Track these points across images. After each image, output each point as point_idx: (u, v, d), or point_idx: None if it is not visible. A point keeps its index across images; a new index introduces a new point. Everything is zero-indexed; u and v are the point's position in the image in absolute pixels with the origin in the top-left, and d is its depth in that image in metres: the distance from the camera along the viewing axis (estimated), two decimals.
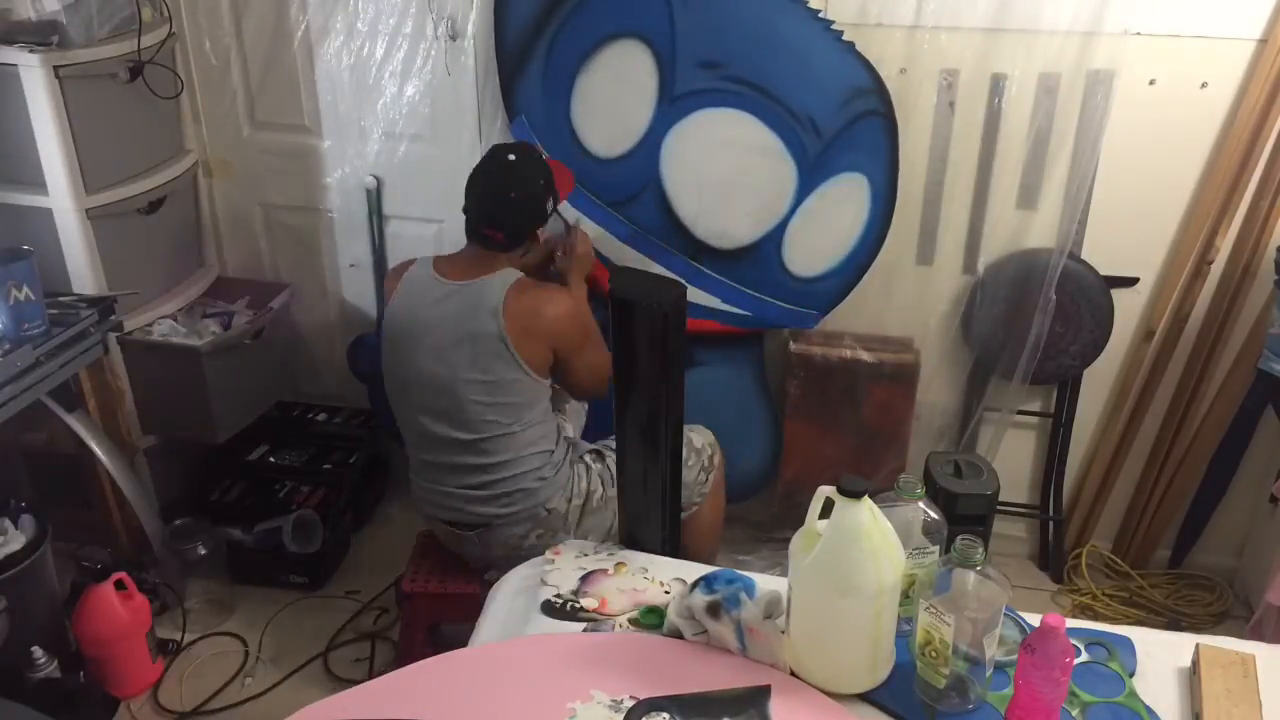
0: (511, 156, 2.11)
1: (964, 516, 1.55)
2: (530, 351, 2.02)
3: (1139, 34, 2.23)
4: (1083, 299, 2.43)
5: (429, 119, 2.62)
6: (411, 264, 2.16)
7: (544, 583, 1.58)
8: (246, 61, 2.68)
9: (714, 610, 1.39)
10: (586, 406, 2.34)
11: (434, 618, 2.24)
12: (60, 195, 2.33)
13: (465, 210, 2.11)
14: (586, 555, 1.66)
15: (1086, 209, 2.39)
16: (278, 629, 2.51)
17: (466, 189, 2.11)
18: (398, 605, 2.58)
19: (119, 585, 2.23)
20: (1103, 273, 2.44)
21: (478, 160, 2.62)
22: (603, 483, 2.13)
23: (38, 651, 2.10)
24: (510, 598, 1.59)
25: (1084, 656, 1.40)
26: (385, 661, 2.44)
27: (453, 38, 2.50)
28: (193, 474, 2.80)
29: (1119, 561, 2.69)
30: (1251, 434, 2.51)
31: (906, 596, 1.34)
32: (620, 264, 2.47)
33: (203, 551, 2.47)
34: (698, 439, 2.26)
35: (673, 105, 2.36)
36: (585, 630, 1.47)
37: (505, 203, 2.08)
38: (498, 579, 2.14)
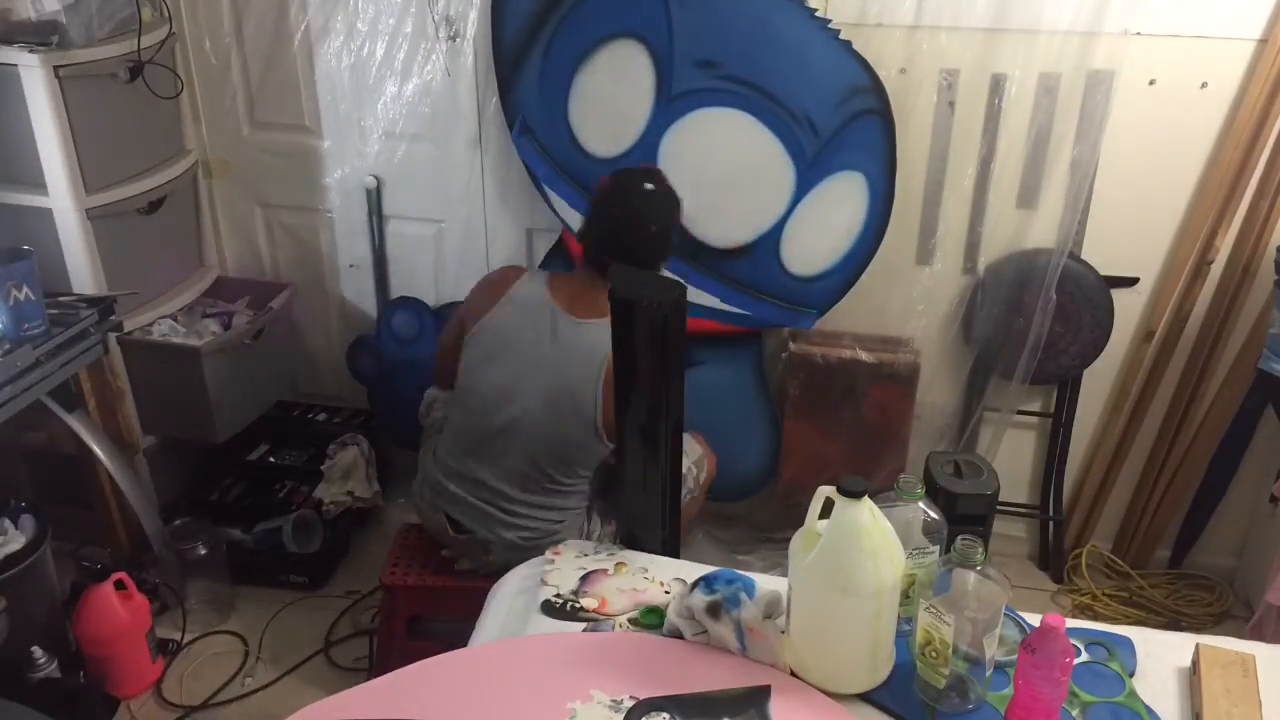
0: (649, 185, 2.03)
1: (964, 516, 1.55)
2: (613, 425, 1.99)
3: (1139, 34, 2.23)
4: (1083, 299, 2.43)
5: (429, 119, 2.62)
6: (519, 276, 2.08)
7: (544, 583, 1.58)
8: (246, 61, 2.68)
9: (714, 610, 1.39)
10: None
11: (414, 610, 2.25)
12: (60, 195, 2.33)
13: (583, 235, 2.05)
14: (586, 555, 1.66)
15: (1086, 209, 2.39)
16: (278, 629, 2.51)
17: (594, 213, 2.04)
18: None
19: (119, 585, 2.23)
20: (1103, 273, 2.44)
21: (475, 161, 2.63)
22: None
23: (38, 651, 2.10)
24: (510, 597, 1.59)
25: (1084, 656, 1.40)
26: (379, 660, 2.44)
27: (453, 38, 2.50)
28: (193, 474, 2.80)
29: (1119, 561, 2.69)
30: (1251, 434, 2.51)
31: (906, 596, 1.34)
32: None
33: (203, 551, 2.47)
34: (686, 458, 2.20)
35: (670, 105, 2.36)
36: (585, 630, 1.47)
37: (643, 237, 2.00)
38: (470, 569, 2.14)
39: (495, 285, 2.11)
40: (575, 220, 2.49)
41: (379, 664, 2.31)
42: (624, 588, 1.55)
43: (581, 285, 2.05)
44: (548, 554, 1.68)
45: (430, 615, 2.30)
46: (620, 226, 2.01)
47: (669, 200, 2.06)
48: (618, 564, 1.61)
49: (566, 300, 2.02)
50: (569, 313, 2.01)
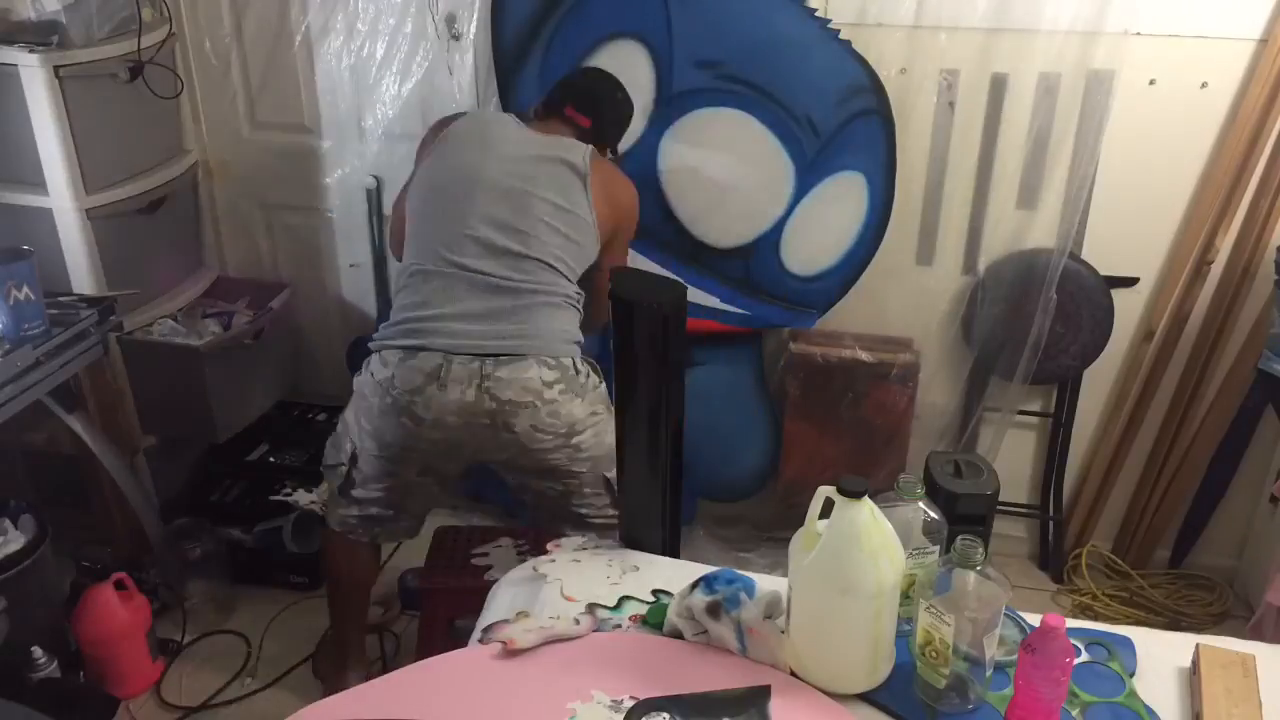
0: (617, 89, 2.18)
1: (964, 516, 1.54)
2: (600, 208, 2.00)
3: (1139, 34, 2.23)
4: (1083, 299, 2.43)
5: (429, 119, 2.59)
6: (460, 114, 2.15)
7: (537, 572, 1.58)
8: (246, 61, 2.68)
9: (714, 610, 1.39)
10: None
11: (452, 613, 2.24)
12: (60, 195, 2.33)
13: (551, 95, 2.13)
14: (585, 550, 1.66)
15: (1086, 209, 2.39)
16: (278, 629, 2.51)
17: (566, 78, 2.19)
18: (400, 600, 2.58)
19: (119, 585, 2.23)
20: (1103, 273, 2.44)
21: None
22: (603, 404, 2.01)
23: (38, 651, 2.10)
24: (511, 595, 1.59)
25: (1084, 656, 1.40)
26: (391, 657, 2.44)
27: (454, 38, 2.50)
28: (193, 474, 2.80)
29: (1119, 561, 2.69)
30: (1251, 434, 2.51)
31: (906, 596, 1.34)
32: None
33: (202, 551, 2.47)
34: None
35: (670, 105, 2.36)
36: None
37: (610, 97, 2.15)
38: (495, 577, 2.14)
39: (439, 126, 2.13)
40: None
41: None
42: (529, 628, 1.45)
43: (540, 126, 2.09)
44: (548, 546, 1.68)
45: (468, 616, 2.29)
46: (589, 84, 2.17)
47: (629, 99, 2.21)
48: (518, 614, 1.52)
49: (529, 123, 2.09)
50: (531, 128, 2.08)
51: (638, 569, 1.60)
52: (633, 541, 1.68)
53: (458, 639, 2.22)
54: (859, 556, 1.24)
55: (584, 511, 2.06)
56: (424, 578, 2.23)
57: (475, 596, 2.14)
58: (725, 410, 2.60)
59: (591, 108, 2.09)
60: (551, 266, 1.95)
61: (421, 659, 1.44)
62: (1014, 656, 1.28)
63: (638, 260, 2.47)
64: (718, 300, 2.50)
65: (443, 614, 2.23)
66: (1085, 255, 2.44)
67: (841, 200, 2.39)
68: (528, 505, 2.15)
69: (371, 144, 2.68)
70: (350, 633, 2.25)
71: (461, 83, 2.54)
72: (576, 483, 2.03)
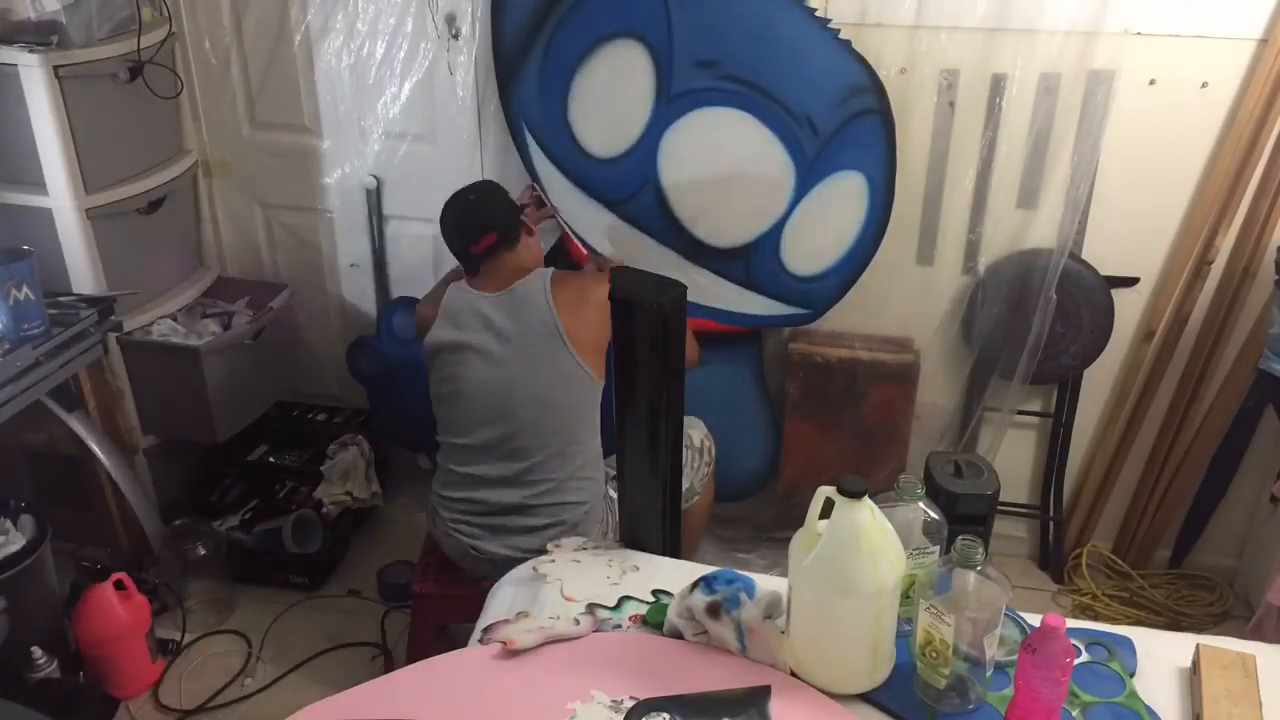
0: (472, 196, 2.17)
1: (964, 516, 1.55)
2: (584, 338, 2.00)
3: (1139, 34, 2.23)
4: (1083, 299, 2.43)
5: (429, 119, 2.62)
6: (446, 291, 2.16)
7: (543, 578, 1.58)
8: (246, 61, 2.68)
9: (714, 610, 1.39)
10: None
11: (443, 618, 2.24)
12: (60, 195, 2.32)
13: (456, 251, 2.16)
14: (585, 550, 1.66)
15: (1086, 209, 2.39)
16: (278, 629, 2.51)
17: (445, 233, 2.16)
18: (380, 595, 2.60)
19: (119, 585, 2.23)
20: (1103, 273, 2.44)
21: (475, 161, 2.63)
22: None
23: (38, 651, 2.10)
24: (511, 596, 1.59)
25: (1084, 656, 1.40)
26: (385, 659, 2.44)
27: (454, 37, 2.50)
28: (193, 474, 2.80)
29: (1119, 561, 2.69)
30: (1251, 434, 2.51)
31: (906, 596, 1.34)
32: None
33: (203, 551, 2.47)
34: (695, 435, 2.26)
35: (670, 105, 2.36)
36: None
37: (473, 211, 2.13)
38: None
39: (428, 307, 2.21)
40: (574, 222, 2.50)
41: None
42: (529, 628, 1.46)
43: (492, 277, 2.11)
44: (549, 546, 1.68)
45: (459, 622, 2.29)
46: (459, 222, 2.14)
47: (483, 187, 2.21)
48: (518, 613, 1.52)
49: (489, 288, 2.10)
50: (494, 291, 2.08)
51: (638, 569, 1.60)
52: (633, 541, 1.68)
53: (449, 644, 2.23)
54: (859, 556, 1.24)
55: None
56: (415, 582, 2.23)
57: (466, 602, 2.15)
58: (725, 410, 2.59)
59: (476, 228, 2.11)
60: (548, 454, 2.03)
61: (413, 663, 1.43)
62: (1014, 656, 1.28)
63: (638, 259, 2.47)
64: (718, 300, 2.50)
65: (433, 619, 2.23)
66: (1085, 255, 2.44)
67: (841, 200, 2.38)
68: None
69: (371, 144, 2.68)
70: None
71: (461, 83, 2.54)
72: None
